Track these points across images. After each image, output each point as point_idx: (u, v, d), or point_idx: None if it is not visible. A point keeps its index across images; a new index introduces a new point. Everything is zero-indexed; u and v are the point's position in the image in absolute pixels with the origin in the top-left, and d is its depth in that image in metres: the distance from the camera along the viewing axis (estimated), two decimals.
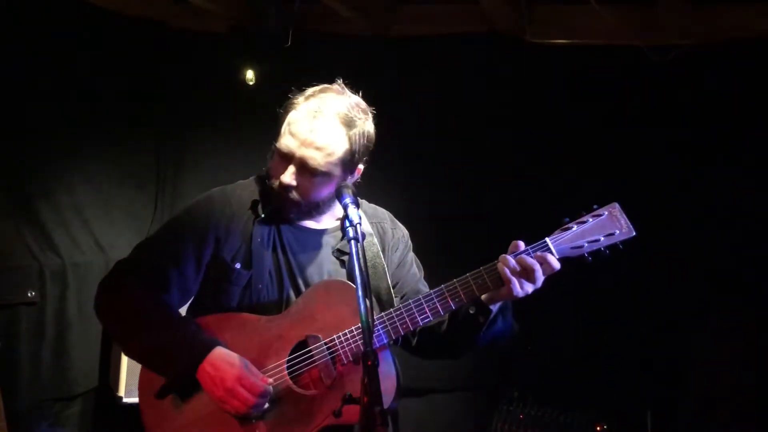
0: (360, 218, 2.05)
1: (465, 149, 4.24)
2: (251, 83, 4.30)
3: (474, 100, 4.20)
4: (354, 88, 2.31)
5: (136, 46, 4.18)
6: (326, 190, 2.24)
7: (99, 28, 3.95)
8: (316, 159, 2.17)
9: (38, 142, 3.73)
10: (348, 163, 2.23)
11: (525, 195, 4.12)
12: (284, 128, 2.24)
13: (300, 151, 2.18)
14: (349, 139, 2.21)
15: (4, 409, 3.18)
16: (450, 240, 4.03)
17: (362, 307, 1.84)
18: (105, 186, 4.11)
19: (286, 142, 2.21)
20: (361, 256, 1.95)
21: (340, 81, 2.29)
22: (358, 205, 2.12)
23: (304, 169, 2.19)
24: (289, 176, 2.20)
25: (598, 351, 4.00)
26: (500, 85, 4.15)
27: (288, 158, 2.20)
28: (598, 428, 3.73)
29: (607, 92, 4.04)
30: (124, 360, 3.75)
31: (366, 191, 2.48)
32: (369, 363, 1.77)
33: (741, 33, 3.81)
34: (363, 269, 1.92)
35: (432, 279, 2.53)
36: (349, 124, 2.21)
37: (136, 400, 3.69)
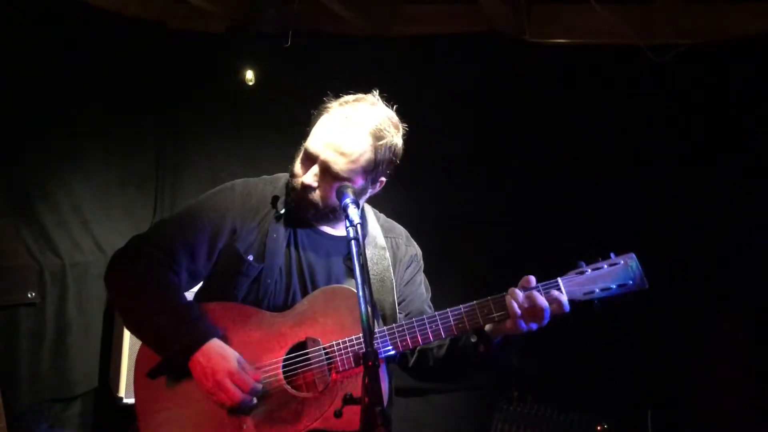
0: (360, 218, 2.05)
1: (464, 149, 4.24)
2: (251, 83, 4.31)
3: (473, 100, 4.20)
4: (387, 101, 2.33)
5: (135, 46, 4.18)
6: None
7: (99, 29, 3.95)
8: (339, 164, 2.20)
9: (38, 143, 3.73)
10: (370, 173, 2.26)
11: (524, 194, 4.11)
12: (314, 130, 2.27)
13: (325, 154, 2.21)
14: (375, 150, 2.23)
15: (3, 409, 3.17)
16: (451, 242, 4.02)
17: (362, 305, 1.85)
18: (105, 186, 4.11)
19: (313, 143, 2.24)
20: (361, 256, 1.95)
21: (376, 92, 2.32)
22: (358, 206, 2.12)
23: (327, 172, 2.22)
24: (311, 177, 2.23)
25: (598, 351, 3.99)
26: (500, 85, 4.15)
27: (313, 159, 2.23)
28: (598, 428, 3.72)
29: (606, 92, 4.04)
30: (124, 360, 3.76)
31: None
32: (370, 363, 1.77)
33: (741, 32, 3.81)
34: (362, 268, 1.92)
35: (438, 286, 2.53)
36: (377, 135, 2.23)
37: None
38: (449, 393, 4.31)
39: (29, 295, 3.61)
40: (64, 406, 3.84)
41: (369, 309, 1.86)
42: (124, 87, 4.13)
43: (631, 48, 3.88)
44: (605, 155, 4.01)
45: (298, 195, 2.26)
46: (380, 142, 2.23)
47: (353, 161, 2.20)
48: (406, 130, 2.33)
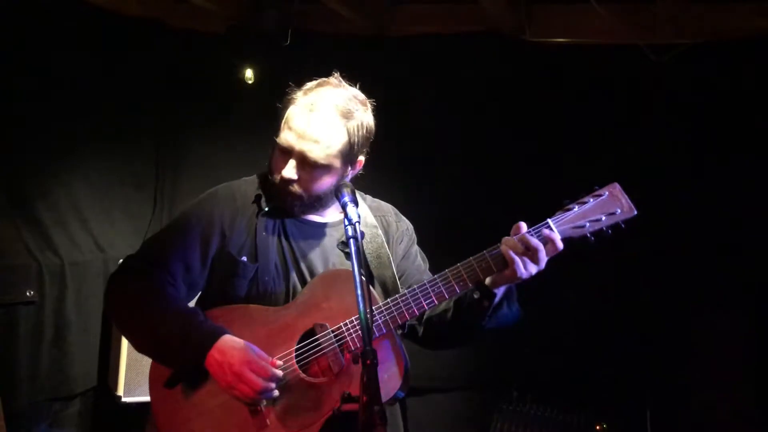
0: (359, 217, 2.06)
1: (464, 149, 4.24)
2: (250, 83, 4.30)
3: (473, 100, 4.20)
4: (352, 81, 2.33)
5: (135, 46, 4.18)
6: (327, 183, 2.26)
7: (99, 28, 3.95)
8: (315, 152, 2.20)
9: (37, 142, 3.72)
10: (347, 154, 2.26)
11: (524, 194, 4.10)
12: (283, 123, 2.27)
13: (299, 145, 2.21)
14: (348, 131, 2.24)
15: (2, 409, 3.17)
16: (450, 240, 4.02)
17: (361, 306, 1.85)
18: (104, 186, 4.11)
19: (285, 136, 2.24)
20: (360, 254, 1.96)
21: (337, 74, 2.32)
22: (357, 204, 2.12)
23: (305, 162, 2.22)
24: (290, 170, 2.23)
25: (598, 350, 3.99)
26: (500, 85, 4.15)
27: (288, 152, 2.24)
28: (598, 428, 3.72)
29: (606, 92, 4.04)
30: (123, 359, 3.75)
31: (366, 190, 2.49)
32: (368, 362, 1.77)
33: (740, 32, 3.81)
34: (361, 269, 1.93)
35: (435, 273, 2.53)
36: (346, 116, 2.24)
37: (135, 399, 3.74)
38: (449, 393, 4.31)
39: (28, 294, 3.61)
40: (63, 404, 3.83)
41: (368, 303, 1.86)
42: (123, 87, 4.13)
43: (631, 48, 3.88)
44: (605, 155, 4.01)
45: (281, 190, 2.26)
46: (351, 122, 2.24)
47: (328, 146, 2.21)
48: (373, 105, 2.33)
